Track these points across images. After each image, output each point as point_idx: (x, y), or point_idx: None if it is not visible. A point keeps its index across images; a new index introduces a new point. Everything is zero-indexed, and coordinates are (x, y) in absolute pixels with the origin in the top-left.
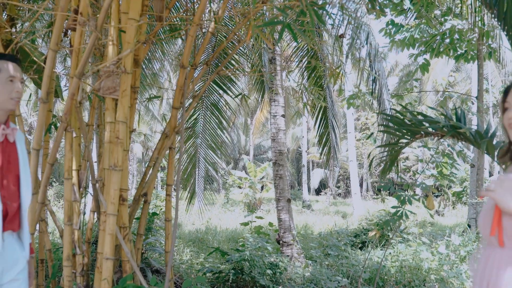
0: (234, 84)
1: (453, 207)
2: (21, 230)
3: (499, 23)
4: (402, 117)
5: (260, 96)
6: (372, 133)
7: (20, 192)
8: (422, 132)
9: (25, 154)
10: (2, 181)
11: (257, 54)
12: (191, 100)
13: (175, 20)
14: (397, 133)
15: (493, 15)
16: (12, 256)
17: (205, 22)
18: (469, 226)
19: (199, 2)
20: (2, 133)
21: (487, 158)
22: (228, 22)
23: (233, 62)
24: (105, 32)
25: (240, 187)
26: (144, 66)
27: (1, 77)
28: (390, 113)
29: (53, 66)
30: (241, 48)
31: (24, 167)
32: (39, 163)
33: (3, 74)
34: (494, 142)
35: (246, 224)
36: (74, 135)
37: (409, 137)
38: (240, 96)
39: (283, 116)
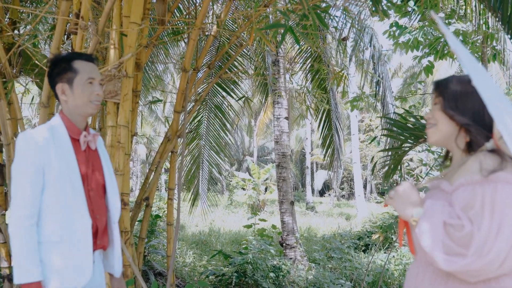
0: (238, 86)
1: None
2: (111, 247)
3: (503, 27)
4: (405, 121)
5: (264, 97)
6: (375, 137)
7: (107, 204)
8: (426, 137)
9: (109, 161)
10: (88, 194)
11: (260, 56)
12: (193, 103)
13: (177, 23)
14: (400, 137)
15: (497, 19)
16: (99, 278)
17: (208, 25)
18: None
19: (201, 5)
20: (84, 140)
21: None
22: (231, 24)
23: (236, 64)
24: (107, 36)
25: (243, 189)
26: (147, 68)
27: (80, 79)
28: (393, 117)
29: None
30: (244, 50)
31: (109, 176)
32: None
33: (82, 76)
34: None
35: (249, 226)
36: None
37: (412, 141)
38: (243, 99)
39: (286, 118)
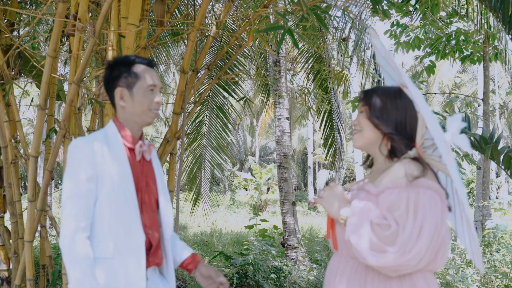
0: (239, 86)
1: None
2: (165, 264)
3: (504, 27)
4: None
5: (265, 97)
6: None
7: (160, 220)
8: None
9: (162, 174)
10: (141, 207)
11: (261, 57)
12: (193, 105)
13: (176, 24)
14: None
15: (498, 19)
16: None
17: (208, 25)
18: (475, 228)
19: (200, 6)
20: (140, 150)
21: None
22: (232, 25)
23: (237, 64)
24: (105, 37)
25: (245, 189)
26: None
27: (141, 85)
28: None
29: (51, 72)
30: (246, 50)
31: (163, 189)
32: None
33: (143, 82)
34: (499, 147)
35: (251, 227)
36: None
37: None
38: (243, 99)
39: (287, 118)
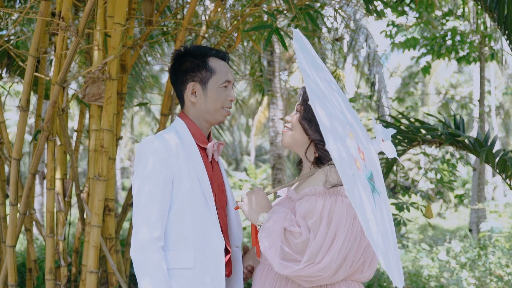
0: (233, 86)
1: (455, 210)
2: (233, 277)
3: (499, 27)
4: (398, 124)
5: (261, 97)
6: None
7: (230, 224)
8: (420, 140)
9: (226, 177)
10: (217, 212)
11: (256, 56)
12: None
13: (164, 24)
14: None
15: (493, 19)
16: None
17: (196, 25)
18: (470, 230)
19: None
20: (212, 150)
21: None
22: (224, 25)
23: (230, 64)
24: (92, 37)
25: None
26: (142, 69)
27: (216, 81)
28: (387, 119)
29: (33, 72)
30: (240, 50)
31: (230, 192)
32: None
33: (219, 78)
34: (495, 149)
35: (244, 228)
36: (59, 143)
37: (405, 145)
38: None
39: (281, 119)
